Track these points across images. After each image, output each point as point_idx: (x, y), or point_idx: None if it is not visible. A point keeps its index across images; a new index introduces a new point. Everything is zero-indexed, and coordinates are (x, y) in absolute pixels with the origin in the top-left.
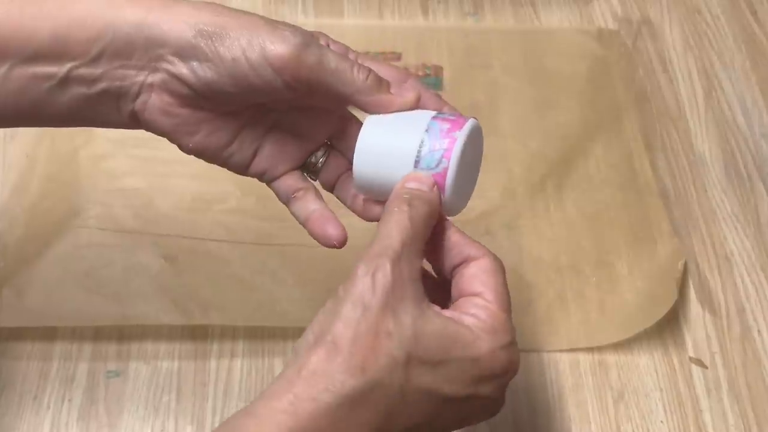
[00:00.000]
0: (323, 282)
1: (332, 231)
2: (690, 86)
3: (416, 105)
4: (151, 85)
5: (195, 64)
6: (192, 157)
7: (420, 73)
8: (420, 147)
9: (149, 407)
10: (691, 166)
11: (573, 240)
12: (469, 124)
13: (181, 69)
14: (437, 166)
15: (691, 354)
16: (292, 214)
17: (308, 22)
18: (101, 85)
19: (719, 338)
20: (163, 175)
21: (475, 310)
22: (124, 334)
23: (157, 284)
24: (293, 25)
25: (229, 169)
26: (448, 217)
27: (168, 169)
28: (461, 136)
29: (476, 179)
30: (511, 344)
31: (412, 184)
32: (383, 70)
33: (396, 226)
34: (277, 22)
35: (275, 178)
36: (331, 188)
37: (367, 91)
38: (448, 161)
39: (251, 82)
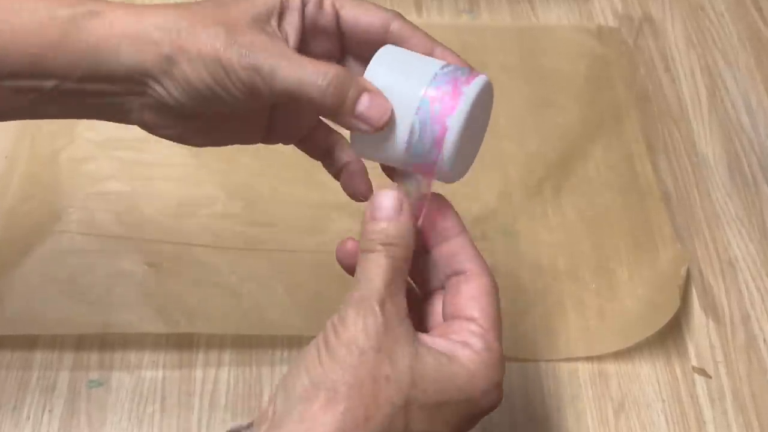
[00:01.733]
0: (313, 289)
1: (361, 186)
2: (693, 85)
3: (383, 127)
4: (142, 105)
5: (174, 91)
6: (177, 160)
7: None
8: (424, 96)
9: (132, 418)
10: (694, 168)
11: (572, 245)
12: (479, 80)
13: (162, 93)
14: (436, 125)
15: (694, 363)
16: (326, 167)
17: None
18: (92, 101)
19: (723, 347)
20: (148, 179)
21: (472, 340)
22: (107, 342)
23: (141, 291)
24: (252, 34)
25: (245, 144)
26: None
27: (152, 172)
28: (469, 92)
29: (479, 145)
30: (501, 382)
31: (380, 222)
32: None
33: (375, 268)
34: (236, 30)
35: (296, 141)
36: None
37: (328, 110)
38: (449, 123)
39: (224, 101)
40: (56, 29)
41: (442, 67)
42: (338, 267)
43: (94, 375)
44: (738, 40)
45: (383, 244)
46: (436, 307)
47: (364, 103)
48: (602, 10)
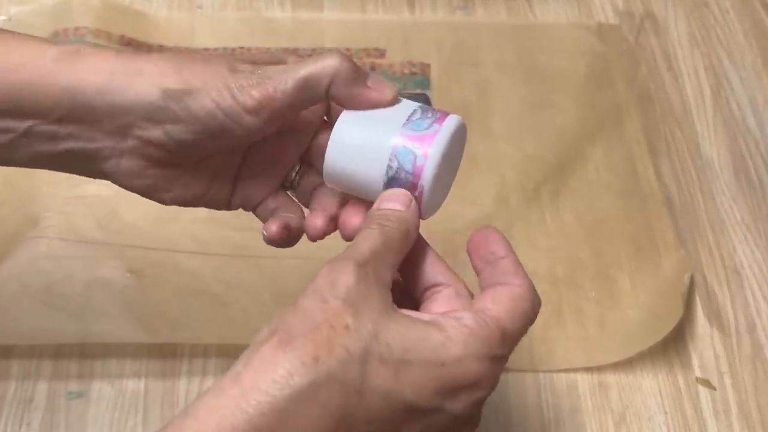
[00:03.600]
0: None
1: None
2: (697, 85)
3: (394, 102)
4: (122, 151)
5: (168, 126)
6: None
7: (406, 71)
8: (395, 145)
9: (114, 431)
10: (698, 171)
11: (570, 251)
12: (451, 121)
13: (154, 133)
14: (414, 164)
15: (698, 374)
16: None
17: (285, 16)
18: (67, 145)
19: (728, 357)
20: None
21: (466, 314)
22: (87, 351)
23: (122, 300)
24: (251, 63)
25: (210, 208)
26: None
27: None
28: (443, 132)
29: (453, 180)
30: (488, 358)
31: (387, 204)
32: None
33: (366, 237)
34: (236, 62)
35: (257, 205)
36: (307, 203)
37: (345, 78)
38: (425, 160)
39: (230, 131)
40: (41, 66)
41: (414, 111)
42: None
43: (73, 386)
44: (744, 37)
45: (380, 224)
46: (441, 305)
47: (372, 78)
48: (602, 6)
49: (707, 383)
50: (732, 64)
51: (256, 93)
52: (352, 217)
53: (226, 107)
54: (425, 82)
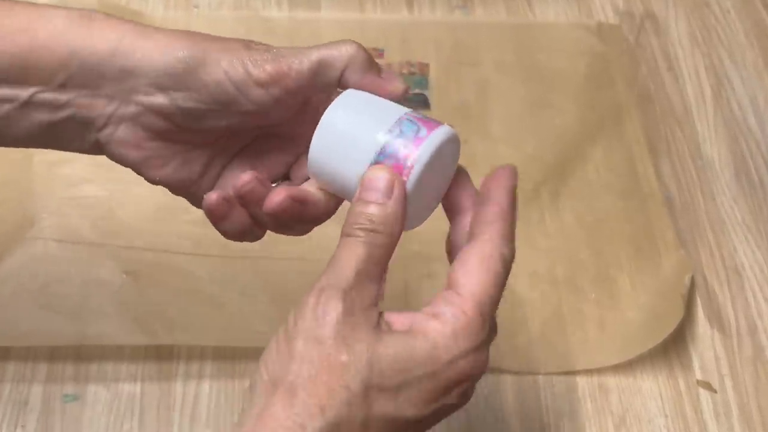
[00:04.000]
0: (299, 298)
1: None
2: (697, 85)
3: (402, 97)
4: (121, 118)
5: (175, 93)
6: None
7: (404, 71)
8: (385, 142)
9: None
10: (699, 172)
11: (570, 252)
12: (444, 130)
13: (160, 100)
14: (403, 164)
15: (699, 376)
16: None
17: (282, 15)
18: (66, 112)
19: (729, 359)
20: (125, 183)
21: (443, 309)
22: (82, 354)
23: (118, 301)
24: (267, 45)
25: (189, 199)
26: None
27: (130, 176)
28: (434, 138)
29: (441, 196)
30: (475, 350)
31: (368, 195)
32: None
33: (350, 255)
34: (251, 42)
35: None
36: None
37: (360, 64)
38: (414, 163)
39: (238, 105)
40: (48, 29)
41: (408, 114)
42: None
43: (69, 388)
44: (745, 37)
45: (364, 230)
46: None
47: (384, 71)
48: (602, 6)
49: (708, 385)
50: (733, 64)
51: (269, 67)
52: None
53: (236, 78)
54: (424, 82)
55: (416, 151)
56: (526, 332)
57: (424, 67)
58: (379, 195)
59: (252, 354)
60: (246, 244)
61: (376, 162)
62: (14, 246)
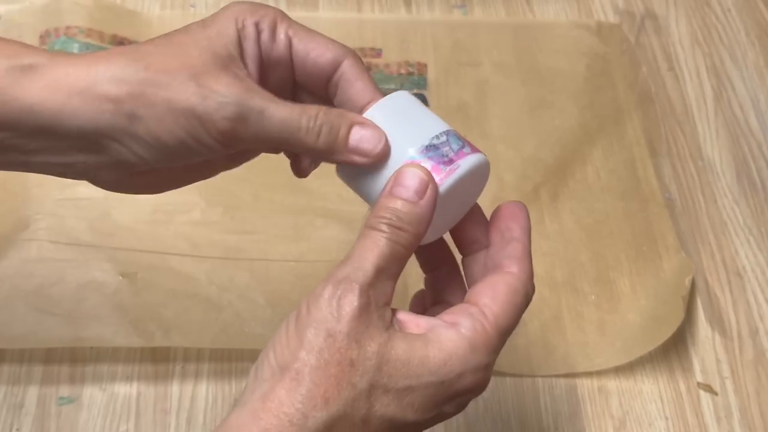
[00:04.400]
0: (296, 300)
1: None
2: (698, 85)
3: (381, 158)
4: (98, 165)
5: (139, 150)
6: None
7: (403, 72)
8: (430, 144)
9: None
10: (700, 173)
11: (570, 254)
12: (477, 157)
13: (126, 155)
14: (443, 168)
15: (700, 379)
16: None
17: None
18: (40, 158)
19: (730, 362)
20: None
21: (463, 320)
22: (78, 355)
23: (114, 303)
24: (225, 78)
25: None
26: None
27: None
28: (476, 157)
29: (457, 220)
30: (486, 367)
31: (400, 192)
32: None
33: (372, 249)
34: (205, 69)
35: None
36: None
37: (320, 156)
38: (454, 169)
39: (202, 155)
40: None
41: (443, 132)
42: (323, 277)
43: (64, 391)
44: (746, 37)
45: (390, 226)
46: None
47: (355, 136)
48: (602, 5)
49: (709, 388)
50: (734, 64)
51: (222, 126)
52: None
53: (192, 132)
54: (422, 82)
55: (458, 160)
56: (525, 334)
57: (422, 68)
58: (412, 193)
59: (249, 356)
60: (242, 246)
61: (416, 160)
62: (9, 248)
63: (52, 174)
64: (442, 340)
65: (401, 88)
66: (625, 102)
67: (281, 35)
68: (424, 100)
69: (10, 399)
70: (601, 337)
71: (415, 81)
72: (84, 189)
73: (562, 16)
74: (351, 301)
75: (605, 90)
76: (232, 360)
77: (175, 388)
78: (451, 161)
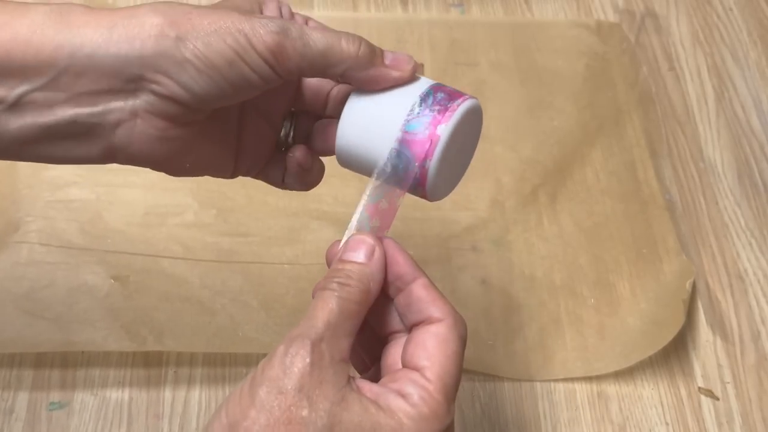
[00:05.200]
0: (290, 303)
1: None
2: (699, 85)
3: (412, 78)
4: (135, 111)
5: (187, 79)
6: None
7: None
8: (410, 112)
9: None
10: (701, 175)
11: (569, 257)
12: (468, 102)
13: (172, 88)
14: (425, 133)
15: (701, 384)
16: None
17: None
18: (64, 114)
19: (732, 367)
20: (113, 186)
21: (410, 389)
22: (69, 360)
23: (106, 307)
24: (263, 15)
25: (217, 176)
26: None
27: (118, 179)
28: (459, 110)
29: (466, 167)
30: (445, 430)
31: (349, 255)
32: None
33: (323, 307)
34: (247, 11)
35: (261, 168)
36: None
37: (361, 65)
38: (438, 136)
39: (250, 82)
40: (28, 23)
41: (431, 87)
42: (317, 280)
43: (55, 396)
44: (748, 36)
45: (339, 284)
46: (395, 353)
47: (389, 56)
48: (602, 4)
49: (710, 393)
50: (736, 64)
51: (270, 41)
52: None
53: (240, 50)
54: None
55: (441, 123)
56: (523, 339)
57: (419, 67)
58: (362, 256)
59: (243, 360)
60: (236, 249)
61: (403, 138)
62: None
63: (74, 148)
64: (393, 409)
65: None
66: (625, 102)
67: (298, 18)
68: None
69: (0, 404)
70: (601, 341)
71: None
72: (75, 191)
73: (561, 15)
74: (303, 357)
75: (605, 90)
76: (226, 365)
77: (167, 393)
78: (446, 108)
